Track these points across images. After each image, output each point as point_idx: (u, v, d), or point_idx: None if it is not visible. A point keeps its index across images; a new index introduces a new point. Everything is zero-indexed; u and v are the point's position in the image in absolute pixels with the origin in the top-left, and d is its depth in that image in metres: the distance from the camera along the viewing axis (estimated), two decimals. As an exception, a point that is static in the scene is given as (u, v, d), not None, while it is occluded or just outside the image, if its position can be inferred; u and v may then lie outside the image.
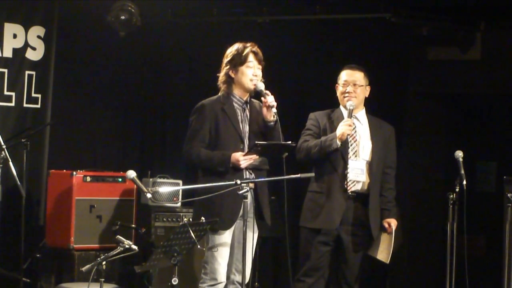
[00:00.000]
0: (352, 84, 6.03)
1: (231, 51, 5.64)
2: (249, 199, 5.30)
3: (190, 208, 7.43)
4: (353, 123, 5.92)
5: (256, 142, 5.39)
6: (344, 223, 5.94)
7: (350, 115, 5.93)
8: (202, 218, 5.09)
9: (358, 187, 5.97)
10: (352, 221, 5.96)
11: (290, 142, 5.51)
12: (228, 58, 5.62)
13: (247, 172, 5.55)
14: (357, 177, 5.96)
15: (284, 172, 5.45)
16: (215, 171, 5.50)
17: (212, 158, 5.50)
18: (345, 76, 6.07)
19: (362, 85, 6.05)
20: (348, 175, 5.92)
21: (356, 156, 5.99)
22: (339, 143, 5.83)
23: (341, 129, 5.84)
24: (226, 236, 5.53)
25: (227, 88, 5.64)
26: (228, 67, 5.62)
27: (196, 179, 5.68)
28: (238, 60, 5.58)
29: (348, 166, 5.93)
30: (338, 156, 5.93)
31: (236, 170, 5.47)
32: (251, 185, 5.47)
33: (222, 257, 5.53)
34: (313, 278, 5.98)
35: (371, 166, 6.02)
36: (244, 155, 5.45)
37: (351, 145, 5.99)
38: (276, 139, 5.51)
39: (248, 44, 5.63)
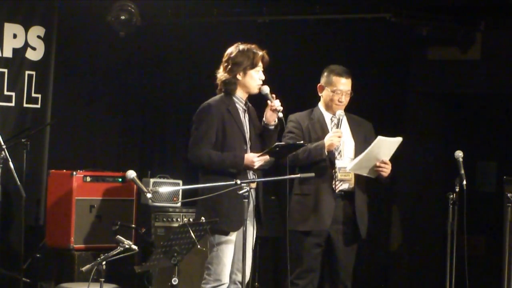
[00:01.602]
0: (346, 93, 6.03)
1: (237, 52, 5.58)
2: (251, 199, 5.36)
3: (190, 208, 7.44)
4: (342, 133, 5.93)
5: (276, 144, 5.44)
6: (334, 223, 5.95)
7: (339, 125, 5.95)
8: (202, 218, 5.09)
9: (345, 186, 5.97)
10: (342, 220, 5.97)
11: (302, 142, 5.63)
12: (236, 61, 5.57)
13: (250, 173, 5.56)
14: (345, 176, 5.96)
15: (287, 172, 5.51)
16: (223, 172, 5.47)
17: (224, 160, 5.47)
18: (339, 85, 6.02)
19: (351, 93, 6.06)
20: (335, 175, 5.93)
21: (341, 156, 5.99)
22: (327, 153, 5.86)
23: (330, 140, 5.86)
24: (233, 237, 5.53)
25: (230, 90, 5.61)
26: (235, 68, 5.57)
27: (197, 179, 5.67)
28: (249, 63, 5.55)
29: (336, 166, 5.93)
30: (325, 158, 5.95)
31: (246, 170, 5.49)
32: (253, 185, 5.50)
33: (227, 258, 5.52)
34: (306, 280, 5.97)
35: None
36: (259, 156, 5.47)
37: None
38: (273, 142, 5.57)
39: (253, 46, 5.60)
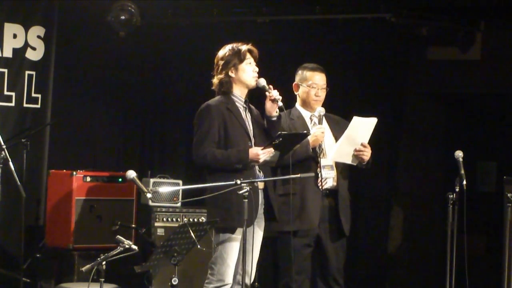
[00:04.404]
0: (322, 88, 6.06)
1: (225, 52, 5.63)
2: (260, 199, 5.47)
3: (190, 208, 7.43)
4: (324, 129, 5.96)
5: (280, 133, 5.42)
6: (321, 221, 5.96)
7: (320, 121, 5.98)
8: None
9: (329, 184, 6.00)
10: (328, 218, 6.00)
11: (305, 131, 5.67)
12: (225, 60, 5.60)
13: (256, 170, 5.56)
14: (329, 174, 5.98)
15: (290, 171, 5.54)
16: (229, 169, 5.44)
17: (229, 156, 5.46)
18: (316, 80, 6.08)
19: (327, 88, 6.08)
20: (321, 173, 5.94)
21: (323, 155, 6.01)
22: (311, 150, 5.87)
23: (315, 136, 5.89)
24: (238, 237, 5.50)
25: (227, 89, 5.62)
26: (225, 66, 5.60)
27: (204, 180, 5.64)
28: (237, 58, 5.58)
29: (321, 165, 5.94)
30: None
31: (252, 166, 5.48)
32: (262, 185, 5.54)
33: (231, 258, 5.51)
34: (299, 282, 5.98)
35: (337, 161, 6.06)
36: (263, 149, 5.45)
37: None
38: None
39: (239, 43, 5.64)
